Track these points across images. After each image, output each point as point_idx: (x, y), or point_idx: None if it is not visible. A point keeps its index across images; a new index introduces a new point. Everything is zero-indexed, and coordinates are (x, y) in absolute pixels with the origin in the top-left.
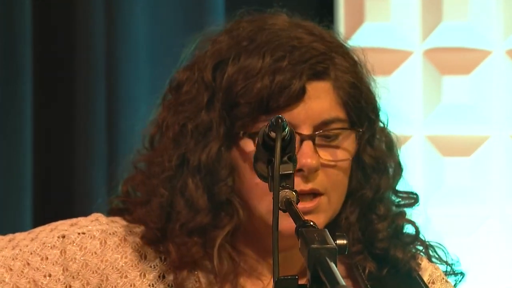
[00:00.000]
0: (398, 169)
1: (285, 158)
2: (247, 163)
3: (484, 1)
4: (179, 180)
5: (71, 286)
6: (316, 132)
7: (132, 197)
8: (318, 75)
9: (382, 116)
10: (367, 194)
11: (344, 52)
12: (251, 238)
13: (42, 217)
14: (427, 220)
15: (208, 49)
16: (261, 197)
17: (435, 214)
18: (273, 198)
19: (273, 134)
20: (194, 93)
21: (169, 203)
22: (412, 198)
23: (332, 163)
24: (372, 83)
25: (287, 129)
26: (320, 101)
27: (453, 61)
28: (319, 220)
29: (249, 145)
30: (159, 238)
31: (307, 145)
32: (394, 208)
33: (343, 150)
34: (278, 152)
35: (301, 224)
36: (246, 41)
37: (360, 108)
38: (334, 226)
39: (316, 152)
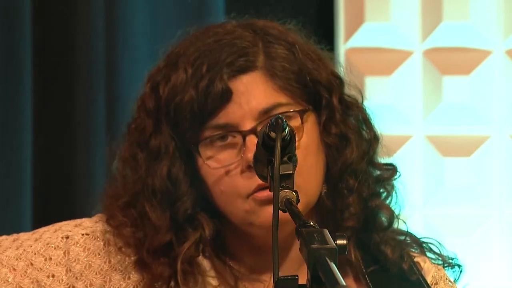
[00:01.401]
0: (374, 140)
1: (285, 158)
2: (207, 174)
3: (484, 1)
4: (138, 207)
5: (74, 287)
6: (257, 125)
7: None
8: (242, 70)
9: (353, 92)
10: (336, 170)
11: (281, 39)
12: (243, 239)
13: (42, 218)
14: (425, 219)
15: (146, 75)
16: (231, 202)
17: (435, 214)
18: (273, 198)
19: (273, 134)
20: (140, 121)
21: (134, 230)
22: (390, 170)
23: None
24: (324, 61)
25: (287, 129)
26: (252, 94)
27: (453, 61)
28: None
29: (200, 161)
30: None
31: (249, 140)
32: (369, 185)
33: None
34: (278, 153)
35: (301, 224)
36: (178, 55)
37: (306, 88)
38: (316, 213)
39: None
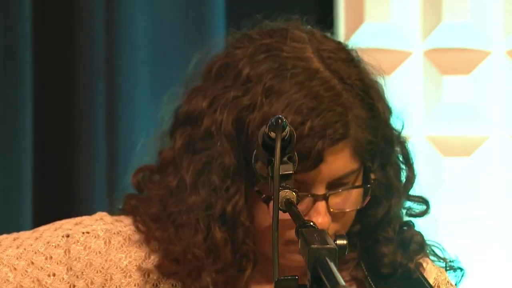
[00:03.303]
0: (413, 177)
1: (285, 158)
2: (263, 217)
3: (484, 1)
4: (207, 234)
5: (75, 286)
6: (330, 192)
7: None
8: (336, 141)
9: (398, 126)
10: (377, 216)
11: (364, 92)
12: (259, 264)
13: (42, 217)
14: (432, 219)
15: (228, 84)
16: (269, 240)
17: (435, 214)
18: (273, 198)
19: (273, 134)
20: (218, 144)
21: (190, 245)
22: (423, 205)
23: (342, 212)
24: (386, 100)
25: (287, 129)
26: (336, 162)
27: (453, 61)
28: None
29: (261, 204)
30: (175, 271)
31: (321, 205)
32: (401, 221)
33: (355, 198)
34: (278, 152)
35: (301, 224)
36: (268, 85)
37: (375, 150)
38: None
39: (328, 211)
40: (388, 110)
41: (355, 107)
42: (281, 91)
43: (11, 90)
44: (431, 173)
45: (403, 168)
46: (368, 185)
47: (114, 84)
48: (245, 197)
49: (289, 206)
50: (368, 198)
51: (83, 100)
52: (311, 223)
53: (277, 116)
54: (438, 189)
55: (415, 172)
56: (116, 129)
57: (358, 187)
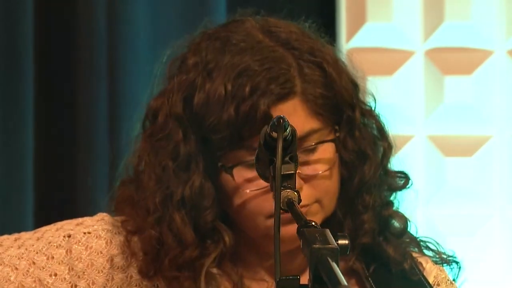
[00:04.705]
0: (388, 150)
1: (287, 158)
2: (233, 193)
3: (486, 1)
4: (166, 216)
5: (76, 286)
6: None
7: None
8: (282, 98)
9: (367, 100)
10: (352, 186)
11: (313, 56)
12: (252, 246)
13: (43, 218)
14: (427, 219)
15: (176, 75)
16: (252, 218)
17: (436, 214)
18: (274, 198)
19: (274, 134)
20: (169, 128)
21: (157, 238)
22: (403, 178)
23: (313, 175)
24: (345, 70)
25: (288, 129)
26: (290, 121)
27: (455, 61)
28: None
29: (229, 179)
30: (153, 272)
31: None
32: (382, 195)
33: (324, 160)
34: (279, 152)
35: (303, 224)
36: (211, 63)
37: (335, 109)
38: (326, 224)
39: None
40: (344, 77)
41: (301, 66)
42: (222, 64)
43: (12, 90)
44: (433, 173)
45: (378, 140)
46: (331, 140)
47: (115, 84)
48: (208, 177)
49: (291, 206)
50: (336, 156)
51: (84, 100)
52: (313, 223)
53: (278, 116)
54: (440, 189)
55: (391, 144)
56: (118, 129)
57: (319, 143)
